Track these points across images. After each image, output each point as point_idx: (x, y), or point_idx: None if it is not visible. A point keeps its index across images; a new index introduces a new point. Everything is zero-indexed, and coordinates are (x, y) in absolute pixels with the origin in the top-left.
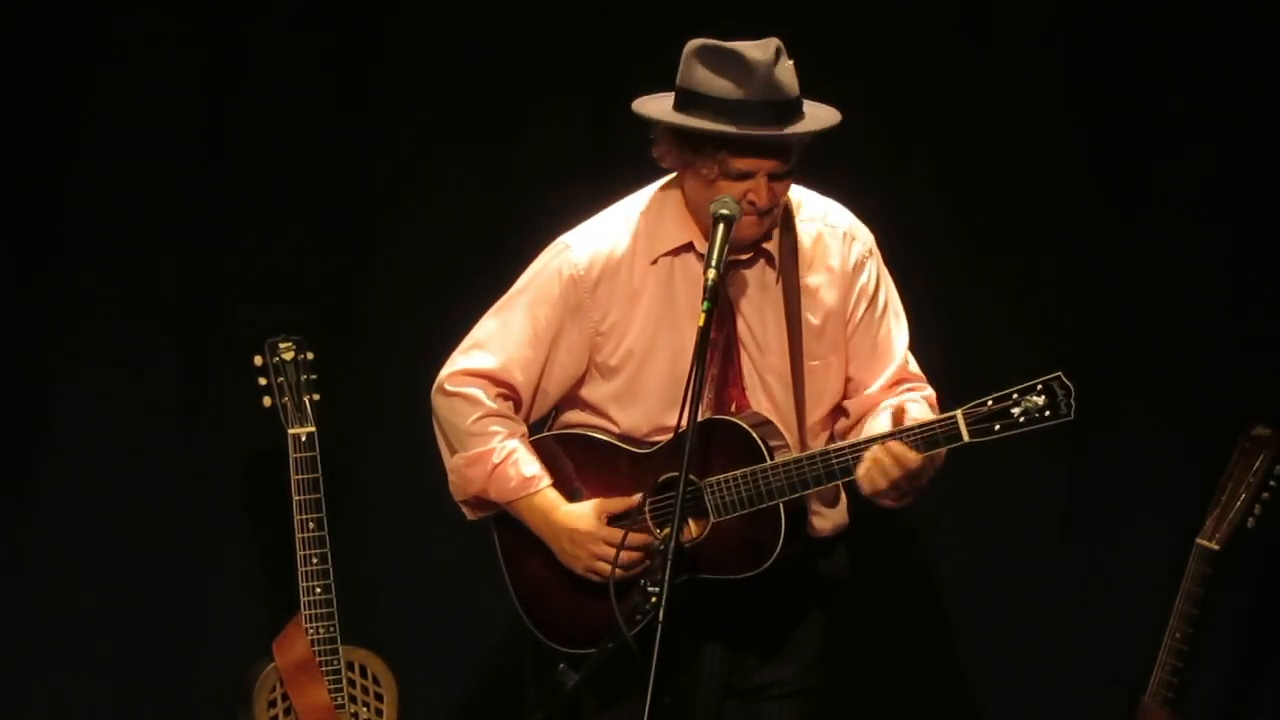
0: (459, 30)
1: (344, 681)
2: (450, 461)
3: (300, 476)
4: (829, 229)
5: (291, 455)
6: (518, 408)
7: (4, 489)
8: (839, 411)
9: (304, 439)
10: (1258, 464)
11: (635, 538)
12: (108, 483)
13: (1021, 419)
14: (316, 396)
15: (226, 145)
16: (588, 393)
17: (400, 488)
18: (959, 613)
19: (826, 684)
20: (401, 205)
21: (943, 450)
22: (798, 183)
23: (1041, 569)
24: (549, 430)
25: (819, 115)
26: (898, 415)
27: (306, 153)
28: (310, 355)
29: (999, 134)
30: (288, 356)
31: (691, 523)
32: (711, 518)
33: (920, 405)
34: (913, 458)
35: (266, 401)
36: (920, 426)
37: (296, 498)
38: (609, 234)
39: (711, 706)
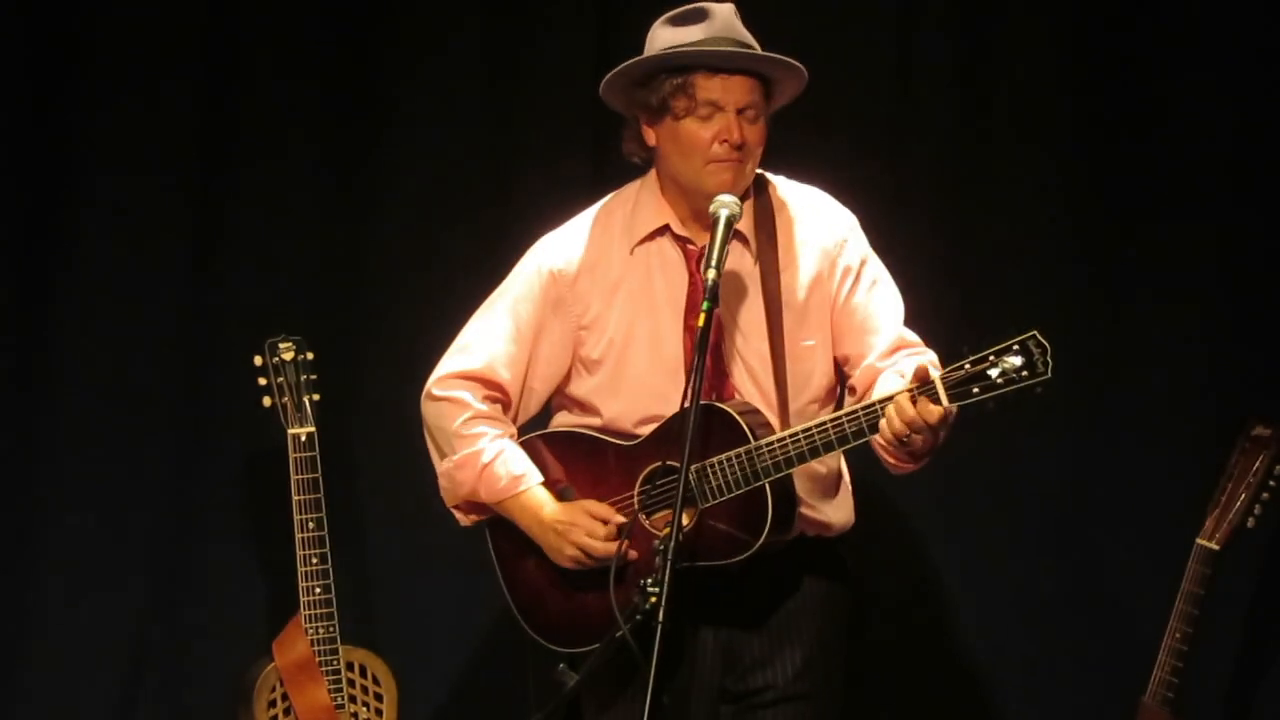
0: (459, 32)
1: (344, 681)
2: (440, 466)
3: (300, 476)
4: (807, 212)
5: (291, 455)
6: (506, 408)
7: (4, 488)
8: (833, 395)
9: (304, 439)
10: (1258, 464)
11: (622, 524)
12: (108, 482)
13: (1000, 380)
14: (316, 396)
15: (226, 145)
16: (574, 389)
17: (400, 488)
18: (957, 613)
19: (822, 689)
20: (401, 206)
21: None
22: (777, 173)
23: (1041, 569)
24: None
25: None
26: (920, 372)
27: (306, 153)
28: (310, 355)
29: (997, 132)
30: (288, 356)
31: (684, 515)
32: (700, 504)
33: (924, 357)
34: (933, 410)
35: (266, 401)
36: (899, 393)
37: (296, 498)
38: (587, 229)
39: (706, 710)
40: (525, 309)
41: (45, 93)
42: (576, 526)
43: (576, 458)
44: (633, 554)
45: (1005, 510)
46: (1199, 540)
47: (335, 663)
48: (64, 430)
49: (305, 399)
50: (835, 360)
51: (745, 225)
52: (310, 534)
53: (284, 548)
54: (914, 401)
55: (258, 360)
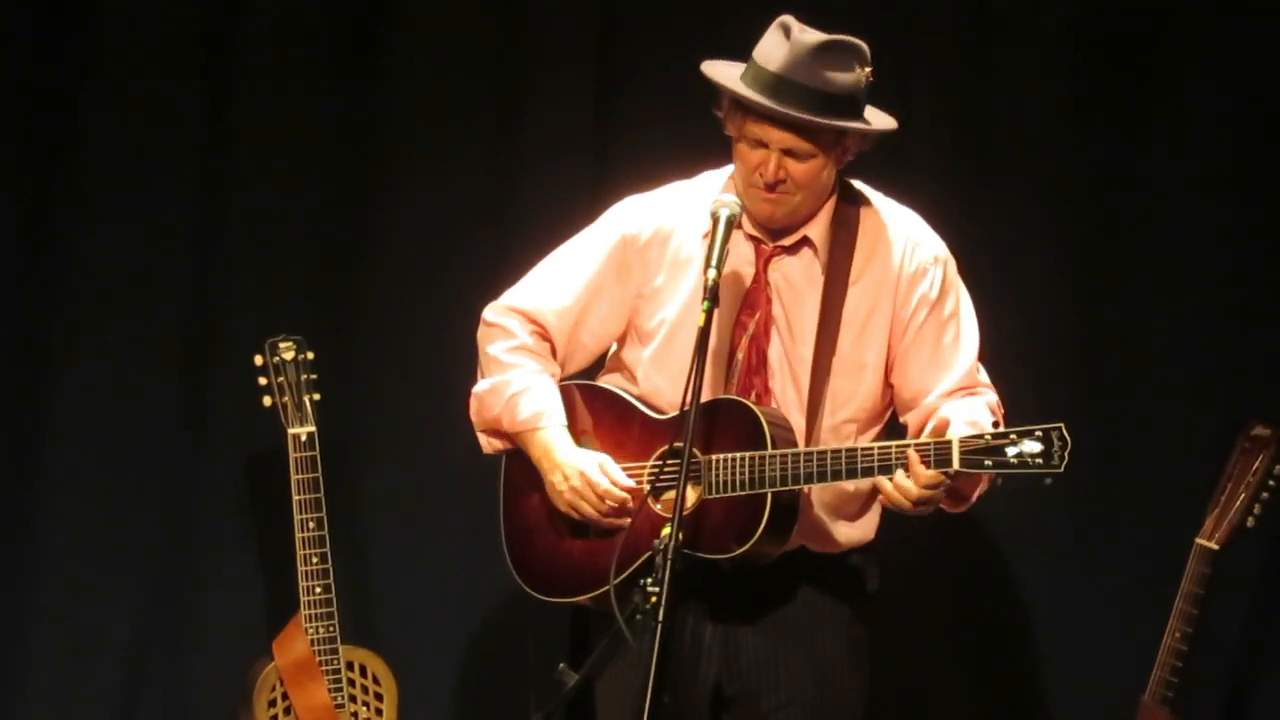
0: (461, 32)
1: (344, 681)
2: (475, 387)
3: (300, 476)
4: (895, 234)
5: (291, 455)
6: (554, 351)
7: (4, 488)
8: (876, 419)
9: (304, 439)
10: (1258, 464)
11: (626, 490)
12: (108, 482)
13: (1014, 460)
14: (316, 396)
15: (227, 145)
16: (626, 354)
17: (400, 487)
18: (957, 613)
19: (824, 701)
20: (402, 205)
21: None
22: (873, 186)
23: (1041, 569)
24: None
25: (862, 118)
26: (940, 428)
27: (307, 152)
28: (310, 355)
29: (998, 131)
30: (288, 356)
31: (690, 490)
32: (706, 492)
33: (977, 406)
34: (922, 474)
35: (266, 401)
36: (915, 444)
37: (296, 498)
38: (669, 203)
39: (707, 710)
40: (589, 266)
41: (44, 89)
42: (585, 476)
43: (606, 415)
44: (626, 519)
45: (1004, 511)
46: (1199, 540)
47: (335, 662)
48: (64, 429)
49: (305, 399)
50: (892, 386)
51: (819, 234)
52: (310, 534)
53: (284, 548)
54: (922, 460)
55: (258, 360)
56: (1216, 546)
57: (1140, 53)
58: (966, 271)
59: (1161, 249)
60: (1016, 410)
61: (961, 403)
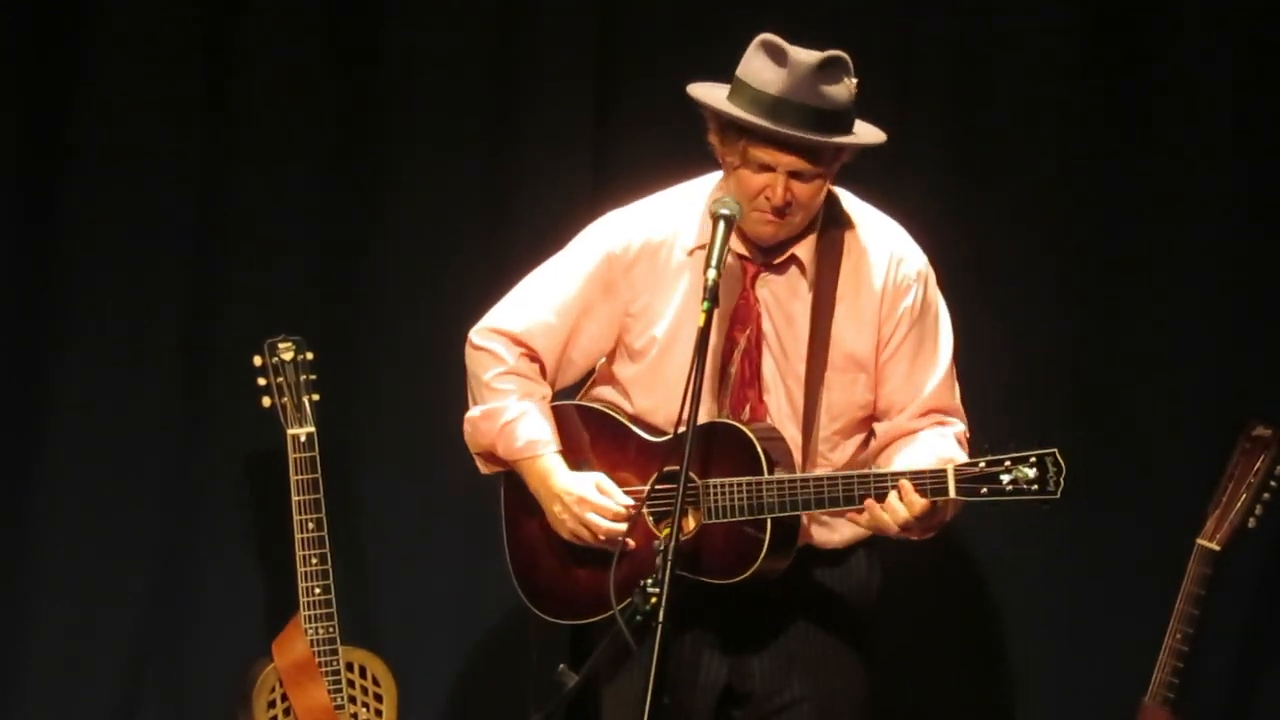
0: (461, 32)
1: (343, 682)
2: (468, 413)
3: (300, 476)
4: (878, 248)
5: (291, 455)
6: (543, 370)
7: (3, 488)
8: (861, 431)
9: (304, 439)
10: (1258, 464)
11: (626, 514)
12: (107, 482)
13: (1009, 487)
14: (316, 396)
15: (227, 145)
16: (617, 370)
17: (400, 487)
18: (958, 613)
19: (828, 693)
20: (402, 206)
21: (949, 503)
22: (859, 196)
23: (1041, 569)
24: (578, 398)
25: (857, 132)
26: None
27: (307, 153)
28: (310, 355)
29: (997, 136)
30: (287, 356)
31: (690, 514)
32: (703, 519)
33: (946, 442)
34: (916, 503)
35: (266, 401)
36: (911, 473)
37: (296, 498)
38: (654, 217)
39: (708, 709)
40: (574, 285)
41: (43, 88)
42: (584, 503)
43: (601, 437)
44: (630, 542)
45: (1004, 511)
46: (1199, 540)
47: (335, 663)
48: (63, 429)
49: (305, 399)
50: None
51: (806, 251)
52: (310, 534)
53: (284, 548)
54: (917, 489)
55: (257, 360)
56: (1217, 547)
57: (1139, 58)
58: (965, 272)
59: (1161, 248)
60: (1017, 410)
61: (933, 433)
